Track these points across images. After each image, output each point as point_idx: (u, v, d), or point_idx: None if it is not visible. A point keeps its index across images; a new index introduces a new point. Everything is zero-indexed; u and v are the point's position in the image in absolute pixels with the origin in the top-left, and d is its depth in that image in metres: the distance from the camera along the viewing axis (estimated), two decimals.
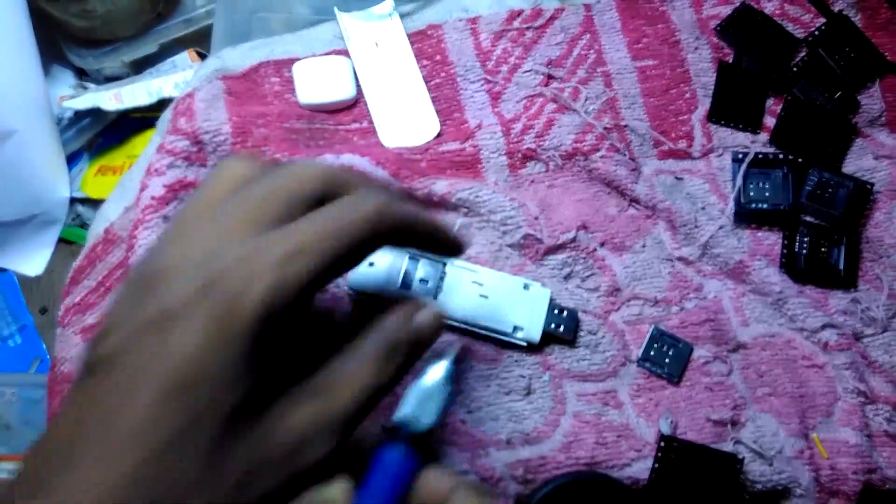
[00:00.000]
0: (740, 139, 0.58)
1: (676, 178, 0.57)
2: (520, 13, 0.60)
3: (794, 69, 0.60)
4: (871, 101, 0.59)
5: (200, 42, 0.68)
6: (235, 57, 0.60)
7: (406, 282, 0.53)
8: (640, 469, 0.50)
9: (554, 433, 0.51)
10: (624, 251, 0.55)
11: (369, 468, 0.35)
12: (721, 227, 0.55)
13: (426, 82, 0.59)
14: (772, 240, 0.56)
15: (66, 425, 0.30)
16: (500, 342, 0.52)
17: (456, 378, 0.42)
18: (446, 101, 0.59)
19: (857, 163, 0.58)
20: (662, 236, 0.56)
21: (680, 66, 0.59)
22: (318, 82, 0.58)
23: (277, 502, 0.32)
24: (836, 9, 0.61)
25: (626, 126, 0.58)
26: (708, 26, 0.61)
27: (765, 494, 0.50)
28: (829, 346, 0.53)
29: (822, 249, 0.55)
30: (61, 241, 0.66)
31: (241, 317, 0.30)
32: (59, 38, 0.69)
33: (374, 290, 0.52)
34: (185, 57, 0.68)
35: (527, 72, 0.59)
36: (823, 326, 0.53)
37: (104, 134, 0.68)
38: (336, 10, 0.61)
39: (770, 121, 0.59)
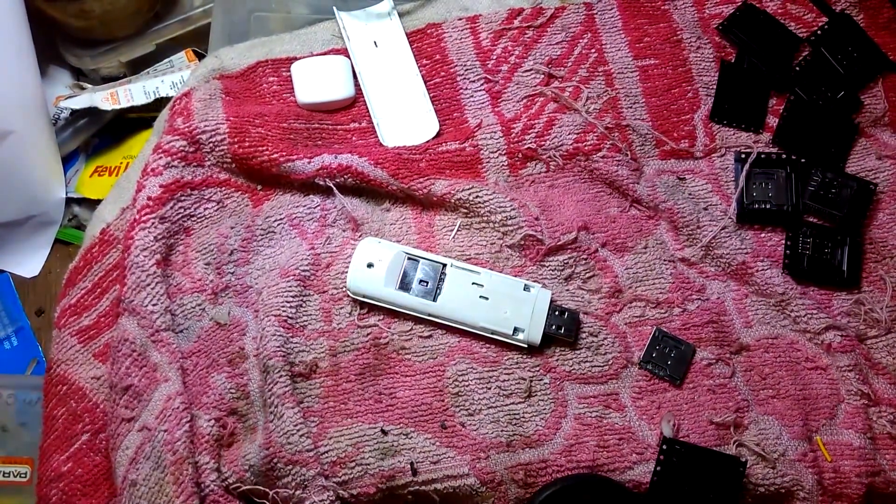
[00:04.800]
0: (743, 139, 0.58)
1: (678, 178, 0.57)
2: (520, 12, 0.60)
3: (797, 68, 0.59)
4: (875, 100, 0.59)
5: (198, 42, 0.68)
6: (233, 56, 0.59)
7: (405, 283, 0.52)
8: (642, 472, 0.49)
9: (555, 436, 0.50)
10: (625, 252, 0.55)
11: None
12: (724, 228, 0.55)
13: (426, 82, 0.59)
14: (775, 240, 0.55)
15: None
16: (501, 344, 0.52)
17: None
18: (446, 101, 0.59)
19: (861, 163, 0.58)
20: (664, 237, 0.55)
21: (682, 66, 0.59)
22: (316, 82, 0.58)
23: None
24: (837, 8, 0.61)
25: (627, 126, 0.57)
26: (710, 25, 0.60)
27: (768, 497, 0.50)
28: (832, 347, 0.52)
29: (826, 250, 0.55)
30: (57, 242, 0.65)
31: None
32: (56, 38, 0.68)
33: (373, 293, 0.52)
34: (183, 57, 0.68)
35: (527, 71, 0.59)
36: (827, 328, 0.53)
37: (100, 134, 0.67)
38: (335, 9, 0.60)
39: (773, 120, 0.58)
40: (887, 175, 0.57)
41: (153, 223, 0.53)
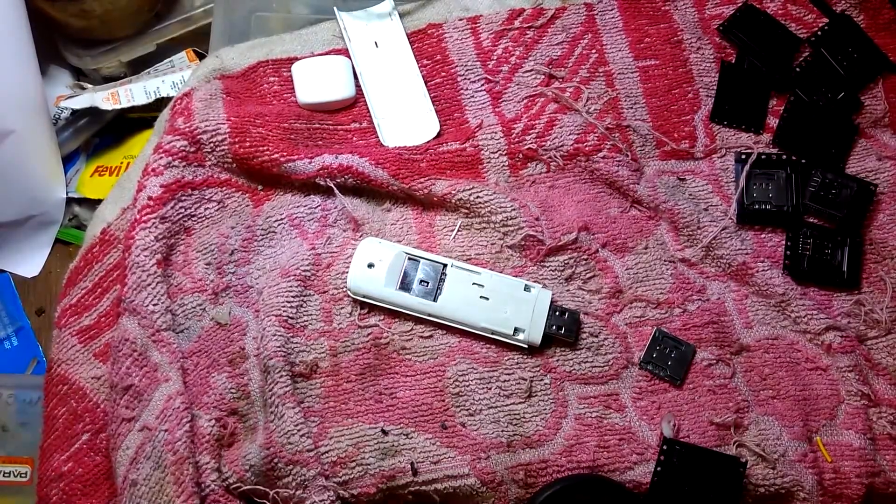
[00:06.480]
0: (743, 139, 0.58)
1: (679, 178, 0.57)
2: (521, 12, 0.60)
3: (797, 69, 0.59)
4: (875, 101, 0.59)
5: (199, 42, 0.68)
6: (234, 56, 0.59)
7: (405, 283, 0.52)
8: (643, 472, 0.49)
9: (555, 436, 0.50)
10: (626, 252, 0.55)
11: None
12: (724, 229, 0.55)
13: (426, 82, 0.59)
14: (775, 241, 0.55)
15: None
16: (501, 344, 0.52)
17: None
18: (446, 101, 0.59)
19: (861, 164, 0.58)
20: (665, 237, 0.55)
21: (682, 66, 0.59)
22: (317, 82, 0.58)
23: None
24: (838, 9, 0.61)
25: (628, 126, 0.57)
26: (710, 26, 0.60)
27: (768, 498, 0.50)
28: (832, 348, 0.52)
29: (826, 251, 0.55)
30: (58, 242, 0.65)
31: None
32: (56, 38, 0.68)
33: (374, 293, 0.52)
34: (184, 56, 0.68)
35: (528, 72, 0.59)
36: (827, 329, 0.53)
37: (101, 134, 0.67)
38: (335, 9, 0.60)
39: (773, 121, 0.58)
40: (887, 176, 0.57)
41: (154, 223, 0.53)
